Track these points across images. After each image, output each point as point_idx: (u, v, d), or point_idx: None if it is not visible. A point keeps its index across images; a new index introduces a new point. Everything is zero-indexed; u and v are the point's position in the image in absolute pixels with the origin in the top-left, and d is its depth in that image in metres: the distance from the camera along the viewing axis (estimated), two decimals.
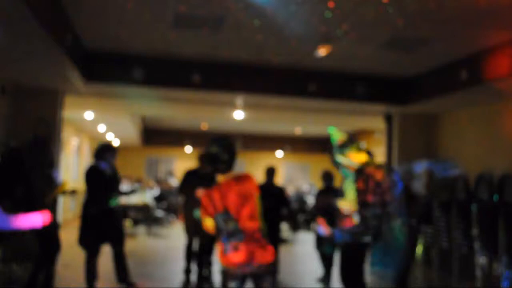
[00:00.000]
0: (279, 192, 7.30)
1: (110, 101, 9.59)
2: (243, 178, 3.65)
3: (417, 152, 9.36)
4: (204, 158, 6.31)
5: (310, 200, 13.93)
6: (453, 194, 7.72)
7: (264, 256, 3.47)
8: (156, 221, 13.11)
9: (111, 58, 7.66)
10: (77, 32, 6.57)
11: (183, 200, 7.14)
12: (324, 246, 6.98)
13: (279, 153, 20.70)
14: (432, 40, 6.48)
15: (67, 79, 7.19)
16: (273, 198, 6.92)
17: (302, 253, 8.38)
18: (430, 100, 8.24)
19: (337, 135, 4.20)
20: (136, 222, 12.93)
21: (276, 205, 7.06)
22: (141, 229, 13.05)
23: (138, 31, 6.59)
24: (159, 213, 13.29)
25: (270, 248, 3.54)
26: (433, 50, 6.92)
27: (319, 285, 7.22)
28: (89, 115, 11.65)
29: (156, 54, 7.66)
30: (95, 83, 7.73)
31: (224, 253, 3.51)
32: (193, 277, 7.02)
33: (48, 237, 5.60)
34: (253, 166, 19.89)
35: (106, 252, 6.87)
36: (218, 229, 3.55)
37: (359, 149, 4.11)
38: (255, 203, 3.57)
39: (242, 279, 3.51)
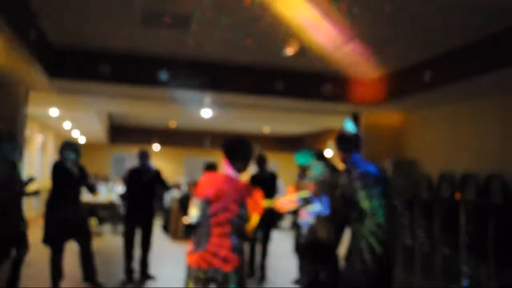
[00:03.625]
0: None
1: (75, 98, 9.43)
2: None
3: (383, 151, 9.52)
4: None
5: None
6: (417, 193, 7.88)
7: (228, 263, 3.41)
8: (122, 220, 12.95)
9: (77, 54, 7.54)
10: (42, 27, 6.45)
11: (127, 197, 7.41)
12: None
13: None
14: (397, 41, 6.59)
15: (31, 75, 7.05)
16: None
17: (274, 252, 8.40)
18: (395, 100, 8.38)
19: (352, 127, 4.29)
20: (101, 221, 12.77)
21: None
22: (107, 228, 12.89)
23: (105, 28, 6.51)
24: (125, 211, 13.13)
25: (234, 256, 3.45)
26: (398, 51, 7.04)
27: (293, 286, 7.21)
28: (54, 111, 11.44)
29: (123, 51, 7.57)
30: (60, 79, 7.59)
31: (192, 251, 3.49)
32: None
33: (15, 237, 5.57)
34: (221, 164, 19.85)
35: (72, 251, 6.79)
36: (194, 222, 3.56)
37: None
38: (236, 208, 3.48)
39: (203, 283, 3.45)
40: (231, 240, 3.43)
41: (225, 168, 3.64)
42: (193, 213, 3.62)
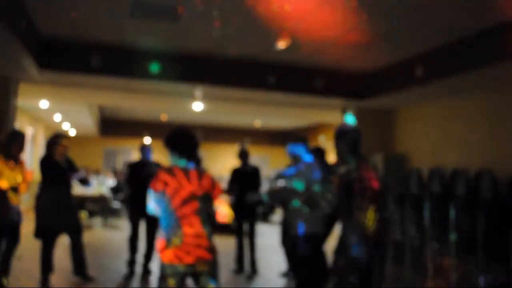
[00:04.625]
0: None
1: (66, 90, 9.38)
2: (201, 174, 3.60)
3: (373, 146, 9.54)
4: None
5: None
6: (407, 188, 7.91)
7: (202, 253, 3.40)
8: (113, 213, 12.93)
9: (68, 46, 7.48)
10: (32, 18, 6.39)
11: (129, 191, 7.30)
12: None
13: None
14: (389, 36, 6.60)
15: (21, 66, 6.99)
16: None
17: (260, 246, 8.40)
18: (386, 95, 8.41)
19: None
20: (91, 214, 12.73)
21: None
22: (97, 221, 12.85)
23: (95, 20, 6.46)
24: (116, 204, 13.11)
25: (210, 245, 3.46)
26: (390, 46, 7.05)
27: (282, 279, 7.23)
28: (44, 104, 11.36)
29: (113, 43, 7.52)
30: (50, 71, 7.53)
31: (163, 247, 3.43)
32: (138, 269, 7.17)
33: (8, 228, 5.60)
34: (213, 158, 19.85)
35: (62, 245, 6.77)
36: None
37: None
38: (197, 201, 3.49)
39: (180, 278, 3.41)
40: (205, 230, 3.44)
41: (172, 161, 3.63)
42: (151, 206, 3.58)
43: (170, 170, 3.53)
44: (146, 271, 7.10)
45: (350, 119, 4.44)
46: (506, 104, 7.27)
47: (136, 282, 6.76)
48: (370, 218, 3.92)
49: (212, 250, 3.45)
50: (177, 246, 3.37)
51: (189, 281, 3.54)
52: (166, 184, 3.45)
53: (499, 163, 7.00)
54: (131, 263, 7.06)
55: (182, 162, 3.59)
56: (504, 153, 7.16)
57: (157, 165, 7.16)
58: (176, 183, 3.45)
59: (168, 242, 3.40)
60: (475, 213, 6.49)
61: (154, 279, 6.86)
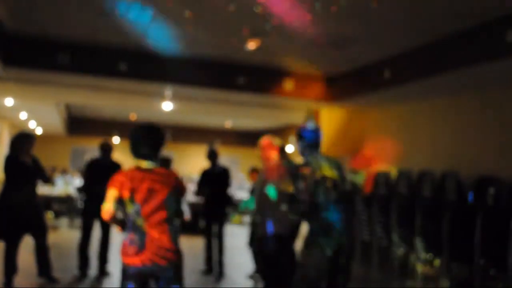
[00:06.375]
0: None
1: (32, 87, 9.19)
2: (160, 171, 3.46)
3: (342, 148, 9.62)
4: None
5: (238, 194, 14.00)
6: (375, 189, 8.00)
7: (165, 255, 3.27)
8: (79, 213, 12.70)
9: (34, 42, 7.34)
10: None
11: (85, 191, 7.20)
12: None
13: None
14: (358, 39, 6.67)
15: None
16: None
17: (229, 247, 8.39)
18: (354, 97, 8.49)
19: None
20: (58, 214, 12.49)
21: None
22: (64, 221, 12.63)
23: (63, 16, 6.35)
24: (82, 204, 12.88)
25: (173, 247, 3.33)
26: (358, 49, 7.12)
27: (249, 281, 7.23)
28: (9, 101, 11.10)
29: (82, 40, 7.41)
30: (15, 68, 7.39)
31: (124, 248, 3.32)
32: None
33: None
34: (183, 158, 19.73)
35: (26, 245, 6.62)
36: (119, 218, 3.37)
37: None
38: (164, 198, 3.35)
39: (141, 280, 3.28)
40: (168, 232, 3.31)
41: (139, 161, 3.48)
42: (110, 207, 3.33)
43: (131, 172, 3.39)
44: (104, 273, 6.97)
45: (311, 124, 4.50)
46: (472, 107, 7.41)
47: (90, 283, 6.67)
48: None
49: (175, 252, 3.33)
50: (139, 248, 3.25)
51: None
52: (124, 186, 3.32)
53: (464, 165, 7.14)
54: (85, 266, 6.92)
55: (147, 163, 3.45)
56: (469, 155, 7.31)
57: (117, 165, 7.05)
58: (136, 185, 3.31)
59: (131, 244, 3.30)
60: (440, 214, 6.61)
61: (110, 281, 6.78)
